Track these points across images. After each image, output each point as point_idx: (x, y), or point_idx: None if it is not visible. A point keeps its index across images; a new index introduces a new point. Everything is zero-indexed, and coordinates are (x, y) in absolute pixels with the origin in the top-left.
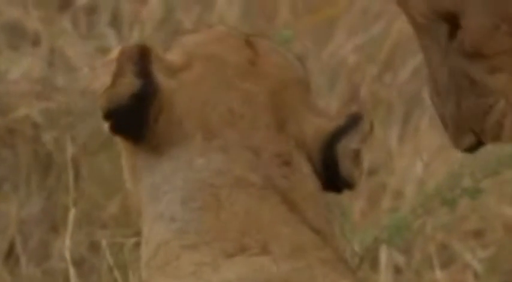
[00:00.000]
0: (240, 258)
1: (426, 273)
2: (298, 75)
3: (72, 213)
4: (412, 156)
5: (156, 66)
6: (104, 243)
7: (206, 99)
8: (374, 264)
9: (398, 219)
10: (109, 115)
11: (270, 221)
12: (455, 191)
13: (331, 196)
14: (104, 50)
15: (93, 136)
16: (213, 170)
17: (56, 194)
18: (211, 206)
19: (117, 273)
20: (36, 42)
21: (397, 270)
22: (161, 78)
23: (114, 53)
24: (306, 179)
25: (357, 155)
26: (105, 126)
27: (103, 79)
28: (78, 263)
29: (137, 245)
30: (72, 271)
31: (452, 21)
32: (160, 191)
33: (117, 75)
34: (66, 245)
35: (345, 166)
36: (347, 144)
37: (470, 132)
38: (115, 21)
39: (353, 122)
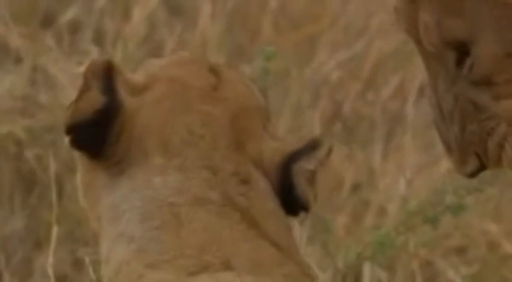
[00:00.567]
0: (204, 276)
1: None
2: (258, 103)
3: (55, 230)
4: (395, 173)
5: (120, 84)
6: (87, 260)
7: (167, 119)
8: (357, 281)
9: (381, 236)
10: (71, 129)
11: (230, 238)
12: (438, 208)
13: (314, 213)
14: None
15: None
16: (172, 188)
17: (39, 211)
18: (171, 225)
19: None
20: (18, 59)
21: None
22: (124, 96)
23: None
24: (265, 196)
25: (312, 176)
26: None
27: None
28: (61, 280)
29: None
30: None
31: (462, 49)
32: (120, 210)
33: (82, 91)
34: (49, 262)
35: (300, 186)
36: (303, 165)
37: (473, 156)
38: (98, 39)
39: (311, 146)
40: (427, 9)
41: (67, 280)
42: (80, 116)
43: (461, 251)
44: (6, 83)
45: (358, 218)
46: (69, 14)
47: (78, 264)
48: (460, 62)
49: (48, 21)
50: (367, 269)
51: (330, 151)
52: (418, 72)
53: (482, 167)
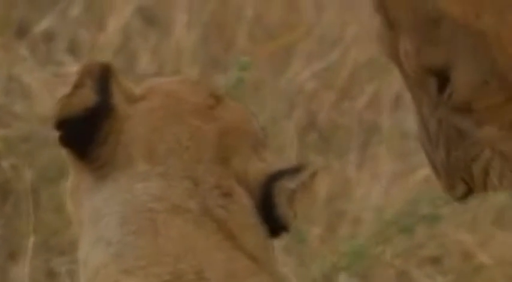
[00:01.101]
0: None
1: None
2: (253, 128)
3: (31, 241)
4: (371, 183)
5: (115, 88)
6: (62, 270)
7: (156, 127)
8: None
9: (356, 246)
10: (60, 124)
11: (205, 248)
12: (413, 218)
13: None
14: (61, 77)
15: (52, 163)
16: (152, 195)
17: (14, 221)
18: (148, 230)
19: None
20: None
21: None
22: (118, 100)
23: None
24: (246, 211)
25: (293, 196)
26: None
27: (64, 90)
28: None
29: None
30: None
31: (442, 76)
32: (100, 214)
33: (75, 87)
34: (24, 272)
35: (281, 206)
36: (285, 184)
37: (461, 181)
38: (73, 48)
39: (295, 168)
40: (406, 36)
41: None
42: (71, 111)
43: (436, 260)
44: None
45: (333, 228)
46: (43, 24)
47: (53, 274)
48: (441, 88)
49: (22, 31)
50: (342, 279)
51: (314, 174)
52: (393, 82)
53: (470, 191)
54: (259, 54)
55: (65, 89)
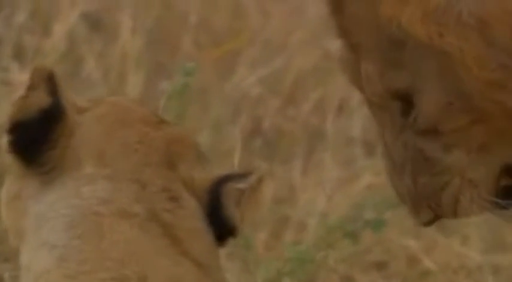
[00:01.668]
0: None
1: None
2: (197, 144)
3: None
4: (315, 189)
5: (64, 95)
6: (6, 276)
7: (105, 131)
8: None
9: (301, 252)
10: (14, 127)
11: (150, 253)
12: (358, 223)
13: None
14: (7, 83)
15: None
16: (99, 198)
17: None
18: (93, 234)
19: None
20: None
21: None
22: (68, 105)
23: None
24: (193, 216)
25: (240, 196)
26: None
27: (18, 93)
28: None
29: None
30: None
31: (407, 99)
32: (45, 219)
33: (29, 89)
34: None
35: (228, 206)
36: (232, 186)
37: (427, 207)
38: (18, 54)
39: (242, 173)
40: (369, 59)
41: None
42: (26, 113)
43: (381, 266)
44: None
45: (278, 233)
46: None
47: None
48: (405, 112)
49: None
50: None
51: (261, 179)
52: (338, 88)
53: (436, 218)
54: (205, 60)
55: (19, 92)
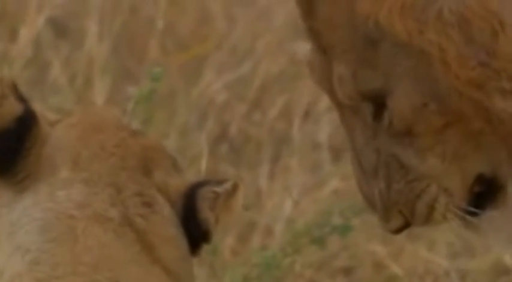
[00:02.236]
0: None
1: None
2: (170, 154)
3: None
4: (282, 194)
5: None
6: None
7: (80, 137)
8: None
9: (268, 257)
10: None
11: (123, 260)
12: (324, 228)
13: None
14: None
15: None
16: (74, 201)
17: None
18: (67, 238)
19: None
20: None
21: None
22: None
23: None
24: (167, 222)
25: (215, 200)
26: None
27: None
28: None
29: None
30: None
31: (379, 101)
32: (19, 224)
33: (1, 97)
34: None
35: (202, 209)
36: (207, 189)
37: (398, 213)
38: None
39: (218, 180)
40: (341, 61)
41: None
42: (2, 124)
43: (347, 271)
44: None
45: (244, 239)
46: None
47: None
48: (377, 115)
49: None
50: None
51: (236, 186)
52: (305, 94)
53: (406, 225)
54: (171, 65)
55: None
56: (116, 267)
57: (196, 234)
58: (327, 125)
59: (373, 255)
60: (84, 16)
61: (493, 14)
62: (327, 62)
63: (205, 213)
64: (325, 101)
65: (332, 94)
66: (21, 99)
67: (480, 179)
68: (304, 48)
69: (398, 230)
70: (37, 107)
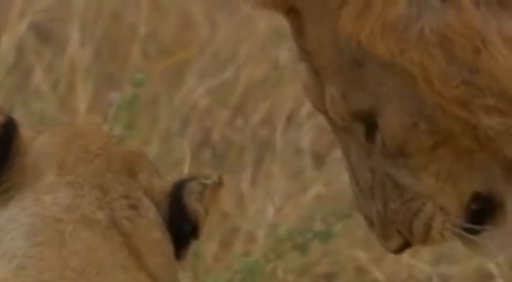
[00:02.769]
0: None
1: None
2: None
3: None
4: (264, 200)
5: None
6: None
7: (63, 143)
8: None
9: (250, 263)
10: None
11: (109, 265)
12: (307, 234)
13: None
14: None
15: None
16: (61, 205)
17: None
18: (55, 242)
19: None
20: None
21: None
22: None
23: None
24: (152, 225)
25: (202, 192)
26: None
27: None
28: None
29: None
30: None
31: (370, 121)
32: (5, 231)
33: None
34: None
35: (190, 203)
36: (194, 183)
37: (396, 233)
38: None
39: (203, 175)
40: (332, 81)
41: None
42: None
43: (330, 277)
44: None
45: (227, 244)
46: None
47: None
48: (369, 135)
49: None
50: None
51: (221, 181)
52: (287, 100)
53: (406, 245)
54: (154, 71)
55: None
56: (103, 274)
57: (184, 231)
58: (310, 131)
59: (355, 261)
60: (66, 22)
61: (474, 32)
62: (319, 82)
63: (194, 205)
64: (307, 107)
65: (326, 114)
66: (1, 109)
67: (477, 197)
68: (286, 54)
69: (399, 250)
70: (19, 113)
